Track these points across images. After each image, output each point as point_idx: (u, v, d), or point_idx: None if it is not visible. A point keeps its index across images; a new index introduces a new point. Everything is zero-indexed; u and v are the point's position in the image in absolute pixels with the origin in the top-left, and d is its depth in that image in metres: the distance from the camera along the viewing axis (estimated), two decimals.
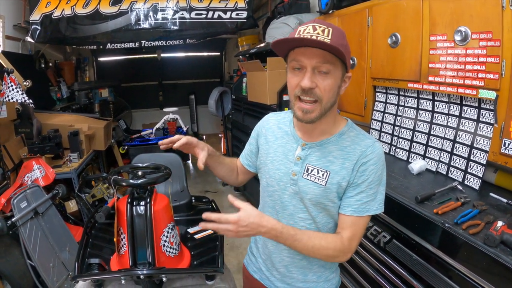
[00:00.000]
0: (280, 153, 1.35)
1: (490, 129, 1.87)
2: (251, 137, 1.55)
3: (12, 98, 3.09)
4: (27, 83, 3.61)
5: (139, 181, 1.73)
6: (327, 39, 1.07)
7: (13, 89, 3.09)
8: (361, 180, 1.21)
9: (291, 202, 1.32)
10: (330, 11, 3.18)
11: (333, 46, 1.06)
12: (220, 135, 7.44)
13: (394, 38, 2.37)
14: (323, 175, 1.24)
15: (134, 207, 1.71)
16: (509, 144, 1.72)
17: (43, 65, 4.99)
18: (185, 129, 5.78)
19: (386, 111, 2.69)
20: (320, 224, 1.30)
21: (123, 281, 1.71)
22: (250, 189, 4.88)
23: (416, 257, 1.75)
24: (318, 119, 1.18)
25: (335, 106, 1.23)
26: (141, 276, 1.64)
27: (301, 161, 1.29)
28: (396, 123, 2.59)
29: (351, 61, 2.80)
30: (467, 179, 2.00)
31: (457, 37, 1.91)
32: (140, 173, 1.88)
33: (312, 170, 1.26)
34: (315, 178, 1.25)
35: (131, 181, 1.74)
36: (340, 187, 1.23)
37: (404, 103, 2.51)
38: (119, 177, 1.76)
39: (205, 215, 1.12)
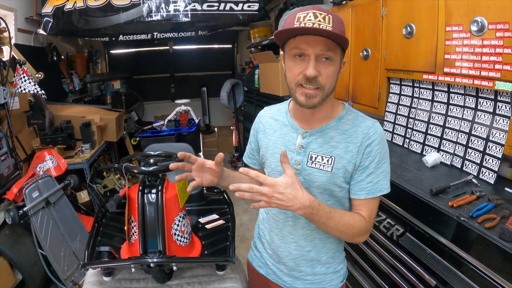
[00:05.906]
0: (280, 144, 1.34)
1: (507, 122, 1.82)
2: (250, 136, 1.54)
3: (24, 89, 3.13)
4: (40, 75, 3.64)
5: (151, 168, 1.71)
6: (329, 27, 1.07)
7: (25, 80, 3.13)
8: (368, 161, 1.22)
9: None
10: (344, 2, 3.14)
11: (338, 34, 1.06)
12: (231, 127, 7.45)
13: (409, 28, 2.32)
14: (328, 161, 1.24)
15: (145, 195, 1.70)
16: None
17: (55, 58, 5.03)
18: (197, 121, 5.78)
19: (400, 103, 2.64)
20: None
21: (133, 270, 1.70)
22: None
23: (430, 250, 1.73)
24: (320, 104, 1.18)
25: (333, 91, 1.24)
26: (152, 265, 1.63)
27: (303, 150, 1.27)
28: (411, 115, 2.55)
29: (364, 52, 2.78)
30: (482, 173, 1.95)
31: (473, 28, 1.86)
32: (152, 160, 1.87)
33: (316, 158, 1.25)
34: (320, 165, 1.24)
35: (143, 168, 1.72)
36: (346, 172, 1.23)
37: (419, 95, 2.47)
38: (131, 164, 1.75)
39: (243, 169, 1.10)
